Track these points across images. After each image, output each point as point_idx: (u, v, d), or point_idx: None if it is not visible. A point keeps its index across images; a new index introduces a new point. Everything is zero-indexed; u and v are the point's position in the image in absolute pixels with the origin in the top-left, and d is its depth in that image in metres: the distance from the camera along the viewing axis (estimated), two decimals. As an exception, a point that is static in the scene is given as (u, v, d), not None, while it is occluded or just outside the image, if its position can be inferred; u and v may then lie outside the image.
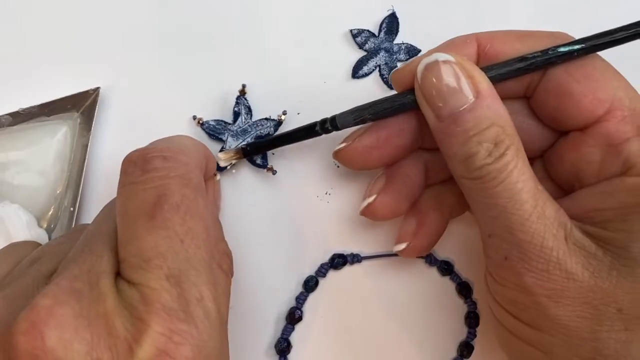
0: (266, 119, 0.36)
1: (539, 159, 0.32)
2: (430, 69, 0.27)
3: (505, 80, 0.28)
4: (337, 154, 0.32)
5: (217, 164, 0.34)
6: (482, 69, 0.27)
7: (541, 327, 0.26)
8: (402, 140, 0.31)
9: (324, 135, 0.31)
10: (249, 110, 0.36)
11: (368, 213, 0.32)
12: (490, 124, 0.25)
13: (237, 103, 0.36)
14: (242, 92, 0.36)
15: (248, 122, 0.36)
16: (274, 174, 0.36)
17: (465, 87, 0.26)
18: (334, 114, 0.31)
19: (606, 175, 0.28)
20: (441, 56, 0.26)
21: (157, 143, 0.28)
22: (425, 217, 0.32)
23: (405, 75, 0.29)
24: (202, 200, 0.27)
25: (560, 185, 0.30)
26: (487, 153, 0.25)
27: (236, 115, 0.36)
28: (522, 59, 0.28)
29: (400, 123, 0.30)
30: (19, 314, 0.22)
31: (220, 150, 0.35)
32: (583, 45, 0.28)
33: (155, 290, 0.23)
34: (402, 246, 0.32)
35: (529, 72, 0.28)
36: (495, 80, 0.27)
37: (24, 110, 0.36)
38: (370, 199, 0.32)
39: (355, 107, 0.30)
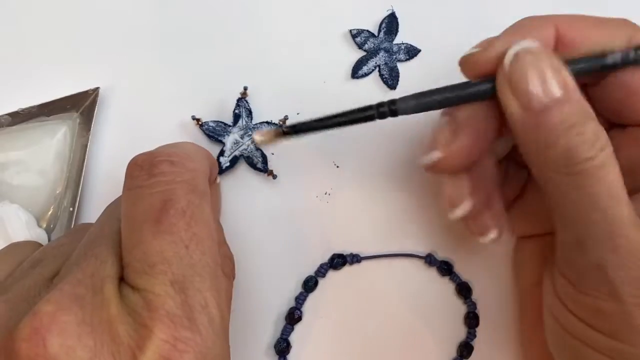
0: (267, 122, 0.36)
1: None
2: (522, 56, 0.25)
3: (583, 75, 0.26)
4: (433, 168, 0.28)
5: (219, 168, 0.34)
6: (567, 62, 0.26)
7: (621, 336, 0.25)
8: (489, 134, 0.28)
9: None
10: (250, 113, 0.36)
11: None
12: (587, 116, 0.24)
13: (237, 105, 0.36)
14: (244, 95, 0.36)
15: (248, 124, 0.36)
16: (274, 178, 0.36)
17: (554, 80, 0.25)
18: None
19: None
20: (531, 44, 0.25)
21: (163, 148, 0.28)
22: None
23: (484, 61, 0.27)
24: (208, 207, 0.26)
25: None
26: (589, 145, 0.24)
27: (236, 117, 0.36)
28: (602, 54, 0.26)
29: (481, 118, 0.28)
30: (21, 320, 0.22)
31: (220, 153, 0.35)
32: None
33: (160, 297, 0.23)
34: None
35: (609, 70, 0.27)
36: (575, 75, 0.26)
37: (23, 110, 0.36)
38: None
39: (419, 93, 0.28)
